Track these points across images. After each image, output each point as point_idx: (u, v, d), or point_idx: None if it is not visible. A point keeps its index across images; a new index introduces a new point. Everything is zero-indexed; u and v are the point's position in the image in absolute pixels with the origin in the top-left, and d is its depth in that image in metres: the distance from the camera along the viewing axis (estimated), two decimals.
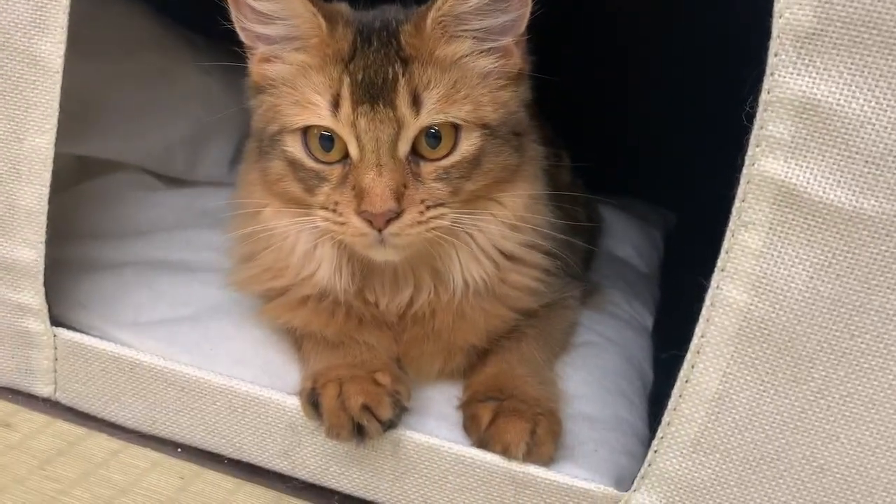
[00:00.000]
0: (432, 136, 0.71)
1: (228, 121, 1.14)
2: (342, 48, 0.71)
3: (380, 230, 0.68)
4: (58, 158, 0.77)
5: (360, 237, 0.70)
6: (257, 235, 0.80)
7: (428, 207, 0.70)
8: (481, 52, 0.73)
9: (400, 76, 0.69)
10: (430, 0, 0.74)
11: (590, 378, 0.88)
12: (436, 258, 0.77)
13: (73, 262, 0.90)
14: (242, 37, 0.75)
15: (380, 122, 0.69)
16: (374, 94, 0.69)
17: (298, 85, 0.72)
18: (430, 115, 0.70)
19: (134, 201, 1.05)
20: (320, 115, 0.70)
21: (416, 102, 0.70)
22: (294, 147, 0.72)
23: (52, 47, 0.73)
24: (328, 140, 0.71)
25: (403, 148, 0.70)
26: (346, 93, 0.69)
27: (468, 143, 0.72)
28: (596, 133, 1.51)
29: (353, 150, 0.70)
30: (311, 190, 0.73)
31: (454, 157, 0.72)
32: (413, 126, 0.70)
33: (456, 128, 0.71)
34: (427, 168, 0.71)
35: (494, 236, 0.78)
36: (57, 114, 0.75)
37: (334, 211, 0.71)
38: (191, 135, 1.13)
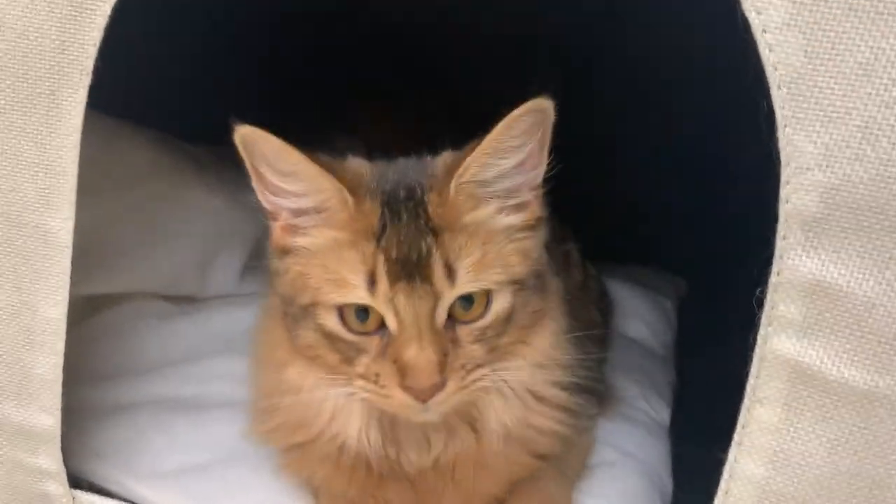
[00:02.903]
0: (465, 300, 0.71)
1: (236, 233, 1.15)
2: (372, 223, 0.70)
3: (426, 402, 0.69)
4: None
5: (406, 408, 0.70)
6: (284, 391, 0.79)
7: (468, 371, 0.71)
8: (504, 210, 0.73)
9: (434, 249, 0.69)
10: (448, 161, 0.74)
11: None
12: (472, 408, 0.78)
13: (86, 408, 0.90)
14: (265, 205, 0.75)
15: (418, 298, 0.69)
16: (409, 270, 0.69)
17: (330, 261, 0.71)
18: (465, 284, 0.70)
19: (145, 333, 1.05)
20: (358, 295, 0.70)
21: (450, 273, 0.69)
22: (330, 321, 0.72)
23: (61, 223, 0.73)
24: (363, 312, 0.71)
25: (441, 317, 0.70)
26: (381, 271, 0.69)
27: (500, 302, 0.72)
28: (599, 198, 1.52)
29: (392, 324, 0.70)
30: (349, 361, 0.72)
31: (489, 318, 0.72)
32: (449, 296, 0.70)
33: (488, 290, 0.71)
34: (463, 331, 0.71)
35: (525, 379, 0.79)
36: (68, 285, 0.75)
37: (376, 382, 0.71)
38: (200, 254, 1.13)
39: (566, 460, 0.87)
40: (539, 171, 0.73)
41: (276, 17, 1.38)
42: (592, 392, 0.96)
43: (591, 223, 1.32)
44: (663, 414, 1.11)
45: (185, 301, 1.14)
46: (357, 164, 0.77)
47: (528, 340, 0.78)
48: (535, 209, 0.75)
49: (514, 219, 0.74)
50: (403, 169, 0.77)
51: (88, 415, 0.91)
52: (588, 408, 0.92)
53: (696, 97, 1.35)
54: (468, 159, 0.70)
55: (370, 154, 0.82)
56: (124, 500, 0.82)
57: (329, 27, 1.45)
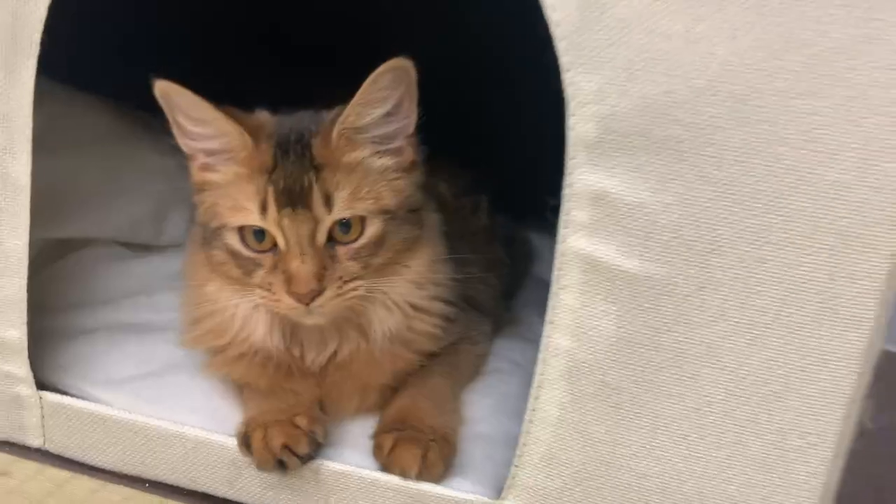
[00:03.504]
0: (343, 225, 0.86)
1: (185, 191, 1.32)
2: (266, 161, 0.86)
3: (307, 304, 0.85)
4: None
5: (291, 309, 0.87)
6: (203, 304, 0.97)
7: (345, 282, 0.86)
8: (379, 153, 0.89)
9: (314, 182, 0.85)
10: (334, 112, 0.89)
11: (491, 402, 1.04)
12: (358, 315, 0.93)
13: (54, 332, 1.07)
14: (184, 148, 0.91)
15: (300, 221, 0.85)
16: (293, 198, 0.84)
17: (233, 191, 0.88)
18: (341, 211, 0.86)
19: (106, 272, 1.22)
20: (252, 217, 0.86)
21: (328, 202, 0.85)
22: (233, 240, 0.88)
23: (21, 168, 0.90)
24: (260, 234, 0.87)
25: (321, 238, 0.86)
26: (271, 199, 0.85)
27: (373, 228, 0.88)
28: (531, 158, 1.67)
29: (281, 243, 0.86)
30: (248, 273, 0.89)
31: (363, 241, 0.88)
32: (327, 221, 0.85)
33: (362, 217, 0.87)
34: (341, 250, 0.87)
35: (403, 293, 0.95)
36: (28, 220, 0.92)
37: (269, 290, 0.87)
38: (154, 208, 1.30)
39: (454, 363, 1.04)
40: (410, 122, 0.88)
41: None
42: (484, 311, 1.13)
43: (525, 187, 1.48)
44: None
45: (141, 248, 1.31)
46: (261, 115, 0.93)
47: (406, 262, 0.93)
48: (409, 154, 0.91)
49: (389, 161, 0.89)
50: (301, 119, 0.92)
51: (55, 337, 1.07)
52: (477, 321, 1.09)
53: None
54: (346, 109, 0.86)
55: None
56: (83, 399, 0.99)
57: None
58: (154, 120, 1.32)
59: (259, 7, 1.63)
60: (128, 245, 1.30)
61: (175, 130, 0.89)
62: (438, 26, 1.49)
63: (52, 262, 1.18)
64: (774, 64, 0.67)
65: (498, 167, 1.36)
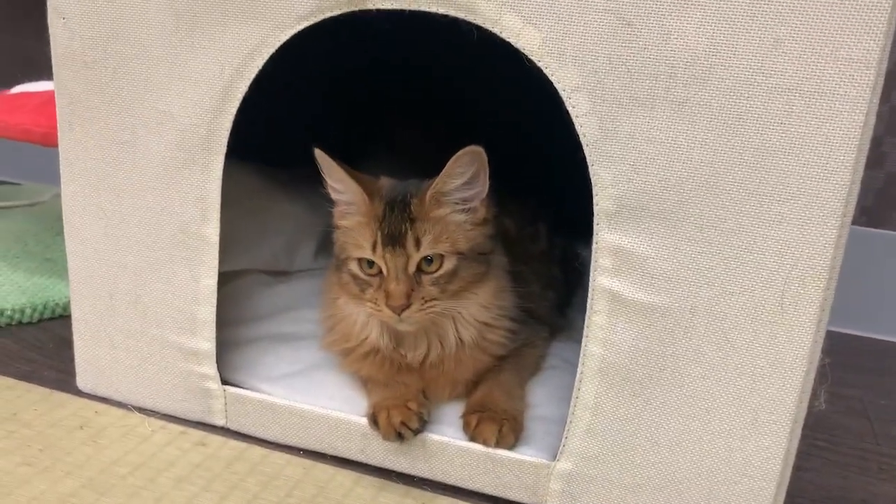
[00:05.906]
0: (427, 260, 1.18)
1: (311, 229, 1.69)
2: (378, 213, 1.18)
3: (399, 314, 1.18)
4: None
5: (389, 318, 1.19)
6: (336, 314, 1.33)
7: (426, 301, 1.16)
8: (458, 211, 1.18)
9: (409, 230, 1.16)
10: (429, 181, 1.20)
11: (549, 392, 1.35)
12: (438, 327, 1.26)
13: (227, 341, 1.42)
14: (331, 195, 1.22)
15: (397, 256, 1.16)
16: (394, 240, 1.17)
17: (356, 233, 1.19)
18: (425, 250, 1.18)
19: (258, 295, 1.60)
20: (367, 252, 1.19)
21: (417, 244, 1.16)
22: (354, 267, 1.22)
23: (212, 230, 1.27)
24: (371, 263, 1.20)
25: (411, 268, 1.18)
26: (379, 240, 1.18)
27: (448, 263, 1.20)
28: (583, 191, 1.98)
29: (384, 270, 1.19)
30: (363, 291, 1.22)
31: (440, 272, 1.19)
32: (415, 256, 1.18)
33: (441, 255, 1.20)
34: (425, 278, 1.19)
35: (474, 313, 1.26)
36: (216, 265, 1.29)
37: (375, 303, 1.20)
38: (288, 243, 1.68)
39: (521, 363, 1.37)
40: (483, 190, 1.20)
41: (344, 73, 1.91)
42: (543, 320, 1.47)
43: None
44: None
45: (281, 274, 1.69)
46: (381, 180, 1.26)
47: (475, 291, 1.25)
48: (482, 213, 1.23)
49: (465, 217, 1.21)
50: (407, 184, 1.25)
51: (230, 345, 1.43)
52: (537, 330, 1.42)
53: None
54: (435, 181, 1.18)
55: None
56: (253, 391, 1.36)
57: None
58: (281, 173, 1.73)
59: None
60: (269, 272, 1.69)
61: (327, 186, 1.24)
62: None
63: (219, 290, 1.56)
64: (729, 163, 0.98)
65: (559, 197, 1.67)
